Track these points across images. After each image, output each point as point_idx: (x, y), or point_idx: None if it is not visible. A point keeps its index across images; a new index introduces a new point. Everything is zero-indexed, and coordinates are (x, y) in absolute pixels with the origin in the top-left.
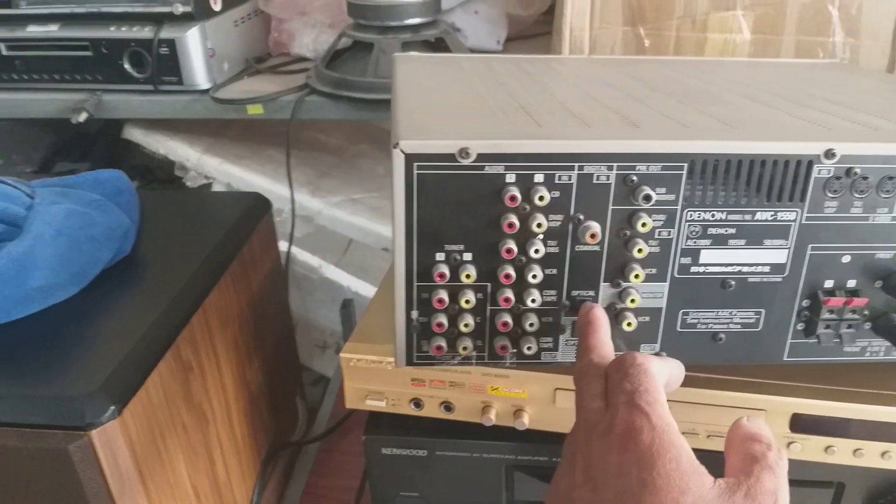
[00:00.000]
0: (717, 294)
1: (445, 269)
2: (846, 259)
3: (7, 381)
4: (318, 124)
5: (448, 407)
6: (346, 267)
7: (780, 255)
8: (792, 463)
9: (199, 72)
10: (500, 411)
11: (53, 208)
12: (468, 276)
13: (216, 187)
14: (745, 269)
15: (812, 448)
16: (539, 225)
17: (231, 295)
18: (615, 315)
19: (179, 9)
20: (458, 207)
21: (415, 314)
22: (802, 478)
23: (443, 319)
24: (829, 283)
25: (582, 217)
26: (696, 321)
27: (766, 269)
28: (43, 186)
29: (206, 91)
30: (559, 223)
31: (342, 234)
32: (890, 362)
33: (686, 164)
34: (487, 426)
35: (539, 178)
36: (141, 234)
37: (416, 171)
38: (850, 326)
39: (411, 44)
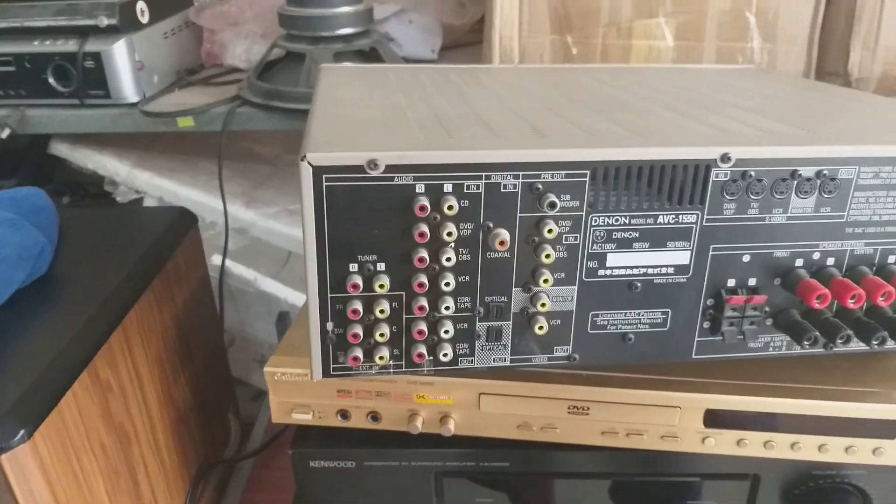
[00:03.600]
0: (624, 296)
1: (359, 280)
2: (746, 258)
3: None
4: (252, 135)
5: (375, 417)
6: (286, 279)
7: (683, 257)
8: (708, 457)
9: (126, 85)
10: (427, 419)
11: None
12: (382, 286)
13: (147, 201)
14: (650, 270)
15: (725, 442)
16: (450, 234)
17: (154, 312)
18: (528, 319)
19: (104, 22)
20: (369, 218)
21: (330, 325)
22: (719, 471)
23: (358, 330)
24: (731, 282)
25: (491, 225)
26: (605, 322)
27: (671, 270)
28: None
29: (134, 104)
30: (470, 231)
31: (279, 245)
32: (793, 356)
33: (589, 171)
34: (414, 434)
35: (448, 187)
36: (59, 252)
37: (325, 184)
38: (752, 323)
39: (344, 54)
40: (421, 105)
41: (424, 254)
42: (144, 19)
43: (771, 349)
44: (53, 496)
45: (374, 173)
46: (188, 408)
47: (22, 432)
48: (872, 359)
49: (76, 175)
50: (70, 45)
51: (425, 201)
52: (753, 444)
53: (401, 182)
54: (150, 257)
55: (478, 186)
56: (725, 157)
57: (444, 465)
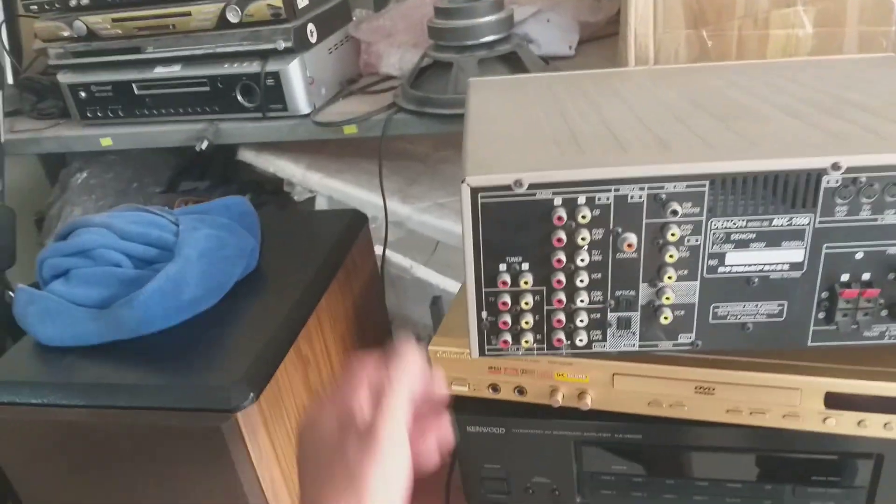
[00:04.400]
0: (742, 290)
1: (507, 278)
2: (859, 255)
3: (168, 374)
4: (406, 135)
5: (521, 391)
6: (434, 266)
7: (797, 255)
8: (832, 437)
9: (300, 99)
10: (567, 394)
11: (196, 234)
12: (526, 283)
13: (319, 199)
14: (766, 267)
15: (845, 422)
16: (583, 238)
17: (338, 299)
18: (654, 310)
19: (282, 45)
20: (515, 227)
21: (484, 314)
22: (844, 450)
23: (507, 318)
24: (844, 277)
25: (620, 230)
26: (726, 313)
27: (786, 266)
28: (183, 214)
29: (307, 115)
30: (601, 236)
31: (430, 236)
32: None
33: (707, 182)
34: (556, 407)
35: (581, 199)
36: (263, 250)
37: (480, 201)
38: (866, 314)
39: (487, 60)
40: (557, 120)
41: (562, 255)
42: (313, 39)
43: (887, 338)
44: (272, 447)
45: (519, 191)
46: None
47: (251, 395)
48: None
49: (254, 175)
50: (254, 67)
51: (562, 212)
52: (873, 425)
53: (541, 197)
54: (334, 254)
55: (608, 198)
56: (836, 166)
57: (582, 434)
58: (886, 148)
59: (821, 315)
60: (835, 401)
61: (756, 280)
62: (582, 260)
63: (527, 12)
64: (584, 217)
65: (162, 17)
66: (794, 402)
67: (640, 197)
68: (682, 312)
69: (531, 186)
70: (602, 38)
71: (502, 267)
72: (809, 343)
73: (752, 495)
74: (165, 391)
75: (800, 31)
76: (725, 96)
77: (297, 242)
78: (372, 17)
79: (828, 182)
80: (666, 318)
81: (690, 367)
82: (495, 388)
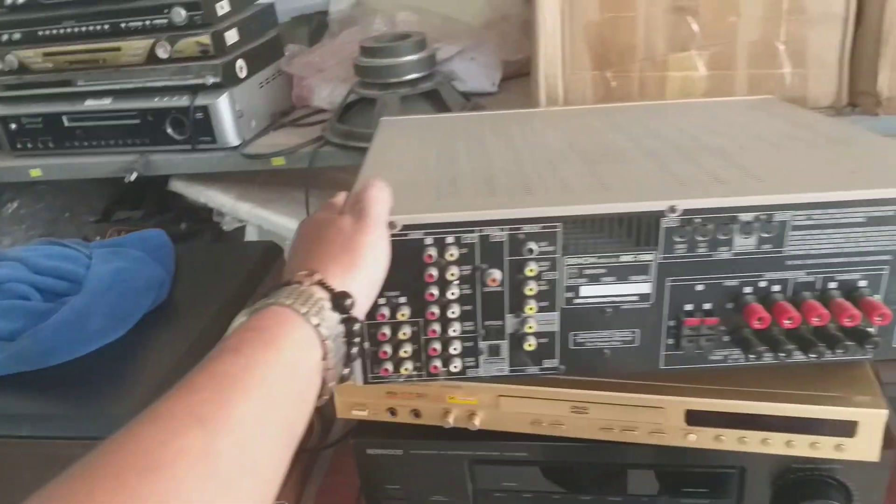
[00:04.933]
0: (598, 318)
1: (386, 311)
2: (700, 287)
3: (71, 404)
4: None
5: (417, 413)
6: None
7: (645, 287)
8: (700, 452)
9: (229, 131)
10: (458, 416)
11: (106, 267)
12: (403, 315)
13: (249, 229)
14: (616, 299)
15: (705, 438)
16: (452, 274)
17: None
18: (520, 338)
19: (210, 80)
20: (393, 264)
21: (366, 345)
22: (709, 464)
23: (387, 349)
24: (688, 307)
25: (485, 266)
26: (584, 340)
27: (635, 298)
28: (99, 247)
29: (235, 147)
30: (469, 272)
31: None
32: (752, 366)
33: (560, 224)
34: (447, 428)
35: (450, 239)
36: (175, 282)
37: None
38: (708, 340)
39: (410, 97)
40: (445, 163)
41: (434, 290)
42: (243, 74)
43: (730, 361)
44: None
45: (393, 231)
46: None
47: None
48: (839, 367)
49: (191, 204)
50: (183, 101)
51: (433, 251)
52: (729, 440)
53: (413, 237)
54: (244, 286)
55: (473, 238)
56: (673, 209)
57: (474, 454)
58: (719, 192)
59: (670, 341)
60: (694, 418)
61: (609, 310)
62: (452, 293)
63: (452, 51)
64: (451, 255)
65: (93, 51)
66: (659, 420)
67: (502, 237)
68: (546, 340)
69: (404, 228)
70: (524, 75)
71: (381, 301)
72: (661, 366)
73: None
74: (67, 421)
75: (695, 74)
76: (601, 139)
77: (211, 274)
78: (304, 52)
79: (666, 223)
80: (530, 345)
81: (566, 389)
82: (393, 411)
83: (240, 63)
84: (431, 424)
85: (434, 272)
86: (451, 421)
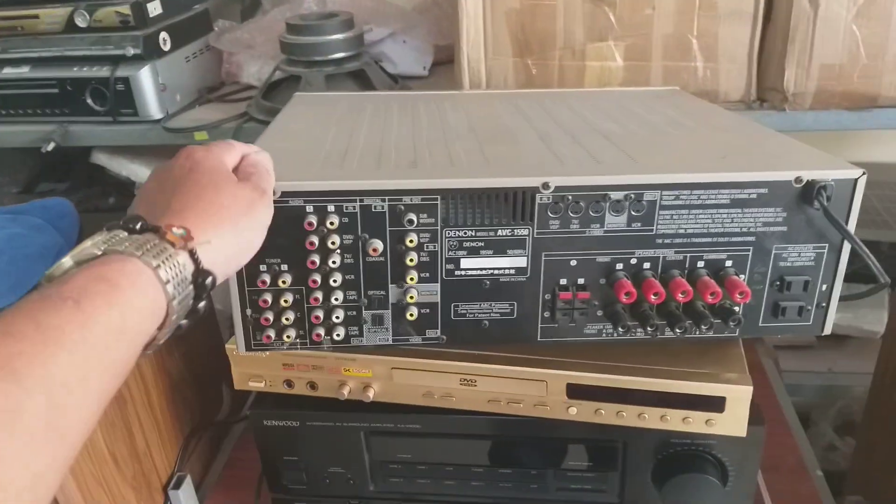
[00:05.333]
0: (478, 291)
1: (267, 277)
2: (574, 262)
3: None
4: None
5: (313, 385)
6: None
7: (521, 261)
8: (580, 426)
9: (151, 104)
10: (353, 388)
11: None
12: (284, 282)
13: None
14: (495, 272)
15: (585, 411)
16: (333, 243)
17: None
18: (402, 308)
19: (130, 52)
20: (273, 231)
21: (248, 311)
22: (593, 436)
23: (269, 315)
24: (563, 281)
25: (367, 236)
26: (465, 311)
27: (513, 271)
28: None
29: (158, 121)
30: (351, 241)
31: None
32: (625, 341)
33: (440, 197)
34: (342, 400)
35: (331, 208)
36: None
37: None
38: (582, 314)
39: (336, 76)
40: (343, 137)
41: (315, 258)
42: (167, 47)
43: (604, 335)
44: None
45: (273, 198)
46: (182, 378)
47: None
48: (713, 346)
49: (120, 177)
50: (104, 72)
51: (313, 219)
52: (608, 414)
53: (294, 204)
54: None
55: (354, 207)
56: (546, 185)
57: (370, 426)
58: (591, 171)
59: (546, 314)
60: (575, 391)
61: (488, 283)
62: (334, 262)
63: (383, 33)
64: (332, 224)
65: (9, 18)
66: (542, 393)
67: (383, 207)
68: (428, 310)
69: (284, 194)
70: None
71: (262, 267)
72: (539, 339)
73: (521, 479)
74: None
75: (612, 64)
76: (501, 122)
77: None
78: (233, 28)
79: (540, 199)
80: (412, 315)
81: (455, 361)
82: (290, 383)
83: (163, 35)
84: (328, 396)
85: (315, 240)
86: (345, 393)
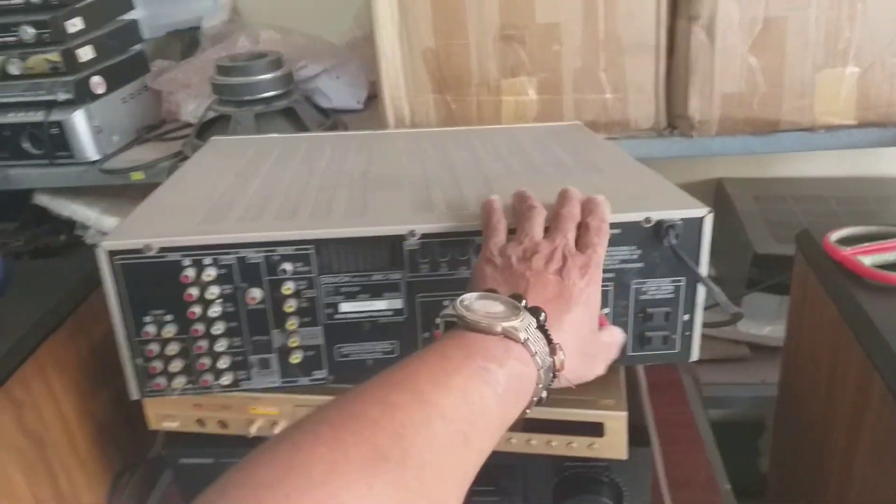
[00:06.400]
0: (359, 332)
1: (151, 329)
2: (447, 303)
3: None
4: None
5: (223, 424)
6: None
7: (397, 303)
8: None
9: (87, 146)
10: (262, 426)
11: None
12: (169, 332)
13: None
14: (374, 314)
15: None
16: (212, 293)
17: (68, 346)
18: (287, 352)
19: (62, 97)
20: (153, 284)
21: (139, 361)
22: (491, 462)
23: (157, 364)
24: (437, 321)
25: (245, 286)
26: (349, 352)
27: (390, 313)
28: None
29: (94, 162)
30: (231, 290)
31: None
32: None
33: (313, 246)
34: (250, 437)
35: (208, 261)
36: (4, 296)
37: (116, 263)
38: None
39: (266, 114)
40: (234, 187)
41: (196, 309)
42: (101, 90)
43: None
44: None
45: (150, 253)
46: (111, 418)
47: None
48: None
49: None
50: (38, 116)
51: (190, 272)
52: (501, 440)
53: (171, 259)
54: (64, 302)
55: (231, 259)
56: (412, 233)
57: None
58: (456, 218)
59: None
60: None
61: (368, 325)
62: (215, 311)
63: (317, 69)
64: (209, 276)
65: None
66: None
67: (258, 258)
68: (313, 352)
69: (162, 250)
70: None
71: (147, 319)
72: None
73: None
74: None
75: (526, 98)
76: (396, 166)
77: (38, 290)
78: (170, 68)
79: (408, 245)
80: (296, 358)
81: None
82: (202, 422)
83: (96, 79)
84: (238, 434)
85: (194, 292)
86: (253, 431)
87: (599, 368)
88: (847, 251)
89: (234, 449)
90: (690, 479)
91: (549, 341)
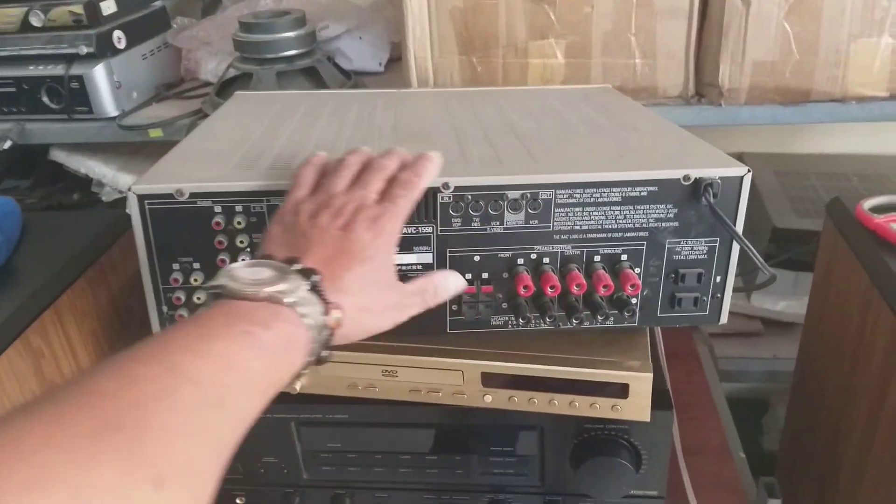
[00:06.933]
0: None
1: (179, 276)
2: (477, 258)
3: None
4: None
5: None
6: None
7: (427, 258)
8: (503, 412)
9: (106, 102)
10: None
11: None
12: (196, 280)
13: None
14: (404, 267)
15: (500, 399)
16: (242, 242)
17: (88, 296)
18: None
19: (84, 50)
20: (183, 231)
21: (164, 308)
22: (511, 423)
23: (183, 312)
24: (468, 276)
25: None
26: None
27: (420, 267)
28: None
29: (113, 118)
30: (260, 239)
31: None
32: (533, 331)
33: None
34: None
35: (238, 208)
36: (19, 249)
37: (147, 207)
38: (487, 306)
39: (287, 73)
40: (267, 137)
41: (225, 256)
42: (122, 45)
43: (510, 326)
44: None
45: (181, 199)
46: None
47: None
48: (622, 336)
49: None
50: (58, 70)
51: (221, 219)
52: (521, 401)
53: (202, 205)
54: (86, 252)
55: (261, 207)
56: (446, 185)
57: (299, 416)
58: (491, 171)
59: (454, 307)
60: (489, 380)
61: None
62: (243, 260)
63: (340, 29)
64: (239, 223)
65: None
66: (459, 382)
67: None
68: None
69: (192, 195)
70: None
71: (175, 266)
72: (448, 330)
73: (447, 465)
74: None
75: (553, 61)
76: (426, 120)
77: (56, 242)
78: (190, 25)
79: (442, 198)
80: None
81: (377, 354)
82: None
83: (117, 34)
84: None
85: (223, 239)
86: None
87: (395, 318)
88: (881, 219)
89: None
90: (704, 445)
91: (325, 301)
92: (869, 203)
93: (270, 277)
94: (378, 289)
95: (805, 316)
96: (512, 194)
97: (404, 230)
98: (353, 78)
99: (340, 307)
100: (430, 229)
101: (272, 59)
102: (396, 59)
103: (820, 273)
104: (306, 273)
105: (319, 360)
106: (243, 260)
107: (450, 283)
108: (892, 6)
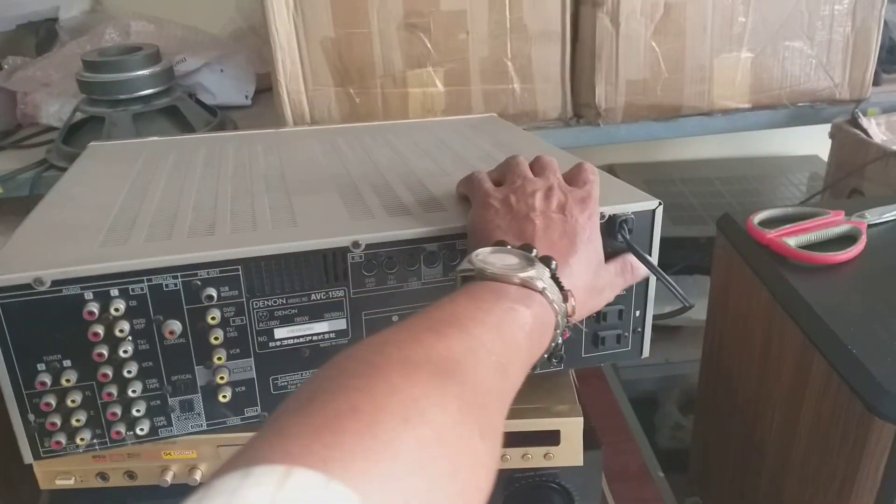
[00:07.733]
0: (297, 360)
1: (47, 378)
2: (395, 318)
3: None
4: None
5: (131, 475)
6: None
7: (340, 324)
8: None
9: None
10: (177, 472)
11: None
12: (68, 381)
13: None
14: (314, 338)
15: None
16: (122, 330)
17: None
18: (213, 390)
19: None
20: (47, 325)
21: (31, 417)
22: None
23: (55, 419)
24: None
25: (162, 318)
26: (286, 383)
27: (333, 335)
28: None
29: None
30: (144, 325)
31: None
32: None
33: (240, 266)
34: (165, 487)
35: (115, 292)
36: None
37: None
38: None
39: (145, 114)
40: (132, 200)
41: (103, 349)
42: None
43: None
44: None
45: (42, 288)
46: None
47: None
48: (545, 376)
49: None
50: None
51: (94, 307)
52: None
53: (69, 293)
54: None
55: (142, 288)
56: (356, 244)
57: None
58: (401, 225)
59: None
60: None
61: (307, 350)
62: (125, 351)
63: (197, 63)
64: (118, 310)
65: None
66: None
67: (176, 285)
68: (244, 388)
69: (55, 283)
70: None
71: (40, 367)
72: None
73: None
74: None
75: (433, 90)
76: (315, 166)
77: None
78: (26, 65)
79: (352, 258)
80: (225, 396)
81: None
82: (104, 476)
83: None
84: (150, 485)
85: (99, 330)
86: (168, 479)
87: (606, 298)
88: (772, 234)
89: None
90: (625, 471)
91: (562, 288)
92: (759, 217)
93: (519, 264)
94: (596, 271)
95: (706, 322)
96: (429, 247)
97: (313, 297)
98: (219, 114)
99: (573, 294)
100: (341, 293)
101: (126, 99)
102: (265, 89)
103: (717, 283)
104: (546, 261)
105: (556, 348)
106: (125, 353)
107: (637, 264)
108: (749, 21)
